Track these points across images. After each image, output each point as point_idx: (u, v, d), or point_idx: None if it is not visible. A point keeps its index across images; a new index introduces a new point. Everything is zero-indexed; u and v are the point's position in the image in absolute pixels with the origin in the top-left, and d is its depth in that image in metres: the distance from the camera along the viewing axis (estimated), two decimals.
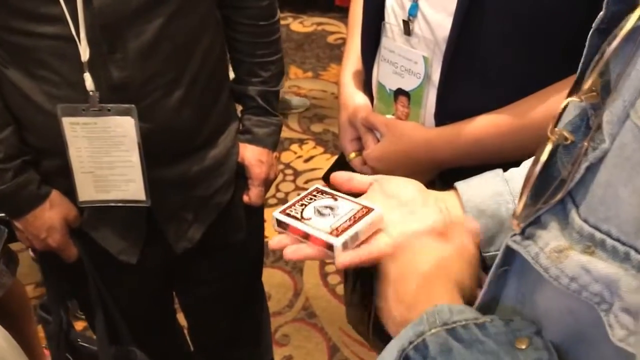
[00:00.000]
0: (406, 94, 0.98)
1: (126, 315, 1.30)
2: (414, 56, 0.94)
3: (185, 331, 1.56)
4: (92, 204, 1.15)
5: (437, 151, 0.95)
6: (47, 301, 1.32)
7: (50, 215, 1.15)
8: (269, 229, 2.49)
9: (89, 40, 1.00)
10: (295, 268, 2.38)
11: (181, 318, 1.55)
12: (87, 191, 1.12)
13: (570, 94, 0.44)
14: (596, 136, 0.40)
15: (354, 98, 1.08)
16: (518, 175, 0.71)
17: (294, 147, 3.04)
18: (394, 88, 0.99)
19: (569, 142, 0.43)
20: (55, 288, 1.29)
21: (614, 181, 0.39)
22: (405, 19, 0.94)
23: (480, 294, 0.56)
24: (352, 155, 1.07)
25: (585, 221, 0.41)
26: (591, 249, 0.40)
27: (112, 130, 1.06)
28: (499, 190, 0.70)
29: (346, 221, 0.69)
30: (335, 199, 0.72)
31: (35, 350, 1.82)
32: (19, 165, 1.11)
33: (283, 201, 2.68)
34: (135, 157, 1.08)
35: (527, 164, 0.73)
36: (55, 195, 1.16)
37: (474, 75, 0.90)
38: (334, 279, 2.32)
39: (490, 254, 0.69)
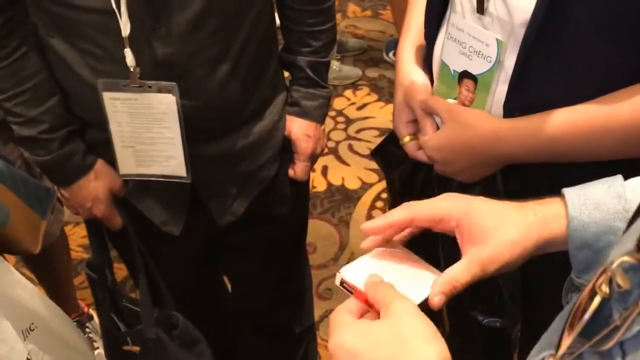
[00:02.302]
0: (473, 77, 0.90)
1: (169, 282, 1.31)
2: (487, 38, 0.86)
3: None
4: (133, 178, 1.14)
5: (505, 145, 0.88)
6: (93, 260, 1.34)
7: (96, 186, 1.15)
8: (318, 179, 2.49)
9: (132, 14, 0.95)
10: (342, 221, 2.36)
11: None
12: (128, 165, 1.11)
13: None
14: None
15: (413, 76, 1.00)
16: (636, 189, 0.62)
17: (348, 92, 2.97)
18: (460, 70, 0.92)
19: (622, 290, 0.38)
20: (100, 250, 1.30)
21: None
22: None
23: None
24: (407, 139, 1.00)
25: None
26: None
27: (152, 107, 1.03)
28: (614, 227, 0.61)
29: None
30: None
31: (70, 299, 1.88)
32: (65, 135, 1.11)
33: (333, 150, 2.64)
34: (176, 134, 1.06)
35: None
36: (100, 165, 1.15)
37: (554, 66, 0.82)
38: None
39: (582, 281, 0.62)
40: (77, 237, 2.25)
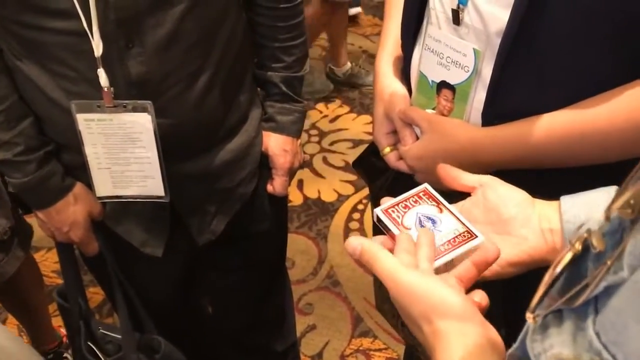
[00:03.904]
0: (451, 87, 0.91)
1: (150, 304, 1.29)
2: (463, 48, 0.87)
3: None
4: (111, 199, 1.11)
5: (484, 153, 0.88)
6: (64, 289, 1.30)
7: (75, 210, 1.12)
8: (294, 193, 2.48)
9: (104, 35, 0.94)
10: (320, 235, 2.35)
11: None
12: (105, 187, 1.09)
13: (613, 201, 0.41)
14: (621, 258, 0.38)
15: (391, 88, 1.00)
16: None
17: (320, 105, 2.97)
18: (438, 80, 0.92)
19: (597, 250, 0.41)
20: (72, 277, 1.27)
21: (626, 311, 0.38)
22: (455, 7, 0.86)
23: (513, 346, 0.52)
24: (387, 150, 1.00)
25: (597, 335, 0.39)
26: None
27: (128, 126, 1.01)
28: None
29: (445, 243, 0.66)
30: (440, 210, 0.70)
31: (46, 328, 1.82)
32: (42, 156, 1.08)
33: (307, 164, 2.63)
34: (152, 154, 1.04)
35: None
36: (79, 188, 1.13)
37: (531, 74, 0.83)
38: None
39: None
40: (50, 262, 2.20)
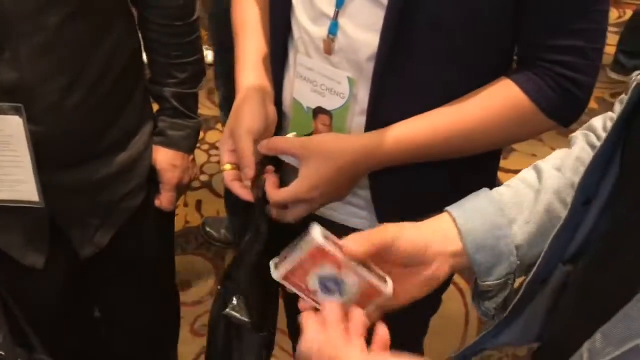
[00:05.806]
0: (328, 112, 0.91)
1: (37, 321, 1.22)
2: (337, 76, 0.88)
3: None
4: None
5: (377, 156, 0.87)
6: None
7: None
8: (192, 214, 2.43)
9: None
10: (218, 255, 2.32)
11: None
12: None
13: None
14: None
15: (243, 107, 0.95)
16: (509, 200, 0.73)
17: (220, 126, 2.96)
18: (313, 106, 0.92)
19: None
20: None
21: None
22: (325, 37, 0.87)
23: None
24: (228, 166, 0.95)
25: None
26: None
27: None
28: (498, 223, 0.71)
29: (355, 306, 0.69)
30: (339, 267, 0.67)
31: None
32: None
33: (207, 184, 2.60)
34: (24, 158, 1.02)
35: (512, 184, 0.76)
36: None
37: (405, 93, 0.86)
38: None
39: (489, 283, 0.72)
40: None
